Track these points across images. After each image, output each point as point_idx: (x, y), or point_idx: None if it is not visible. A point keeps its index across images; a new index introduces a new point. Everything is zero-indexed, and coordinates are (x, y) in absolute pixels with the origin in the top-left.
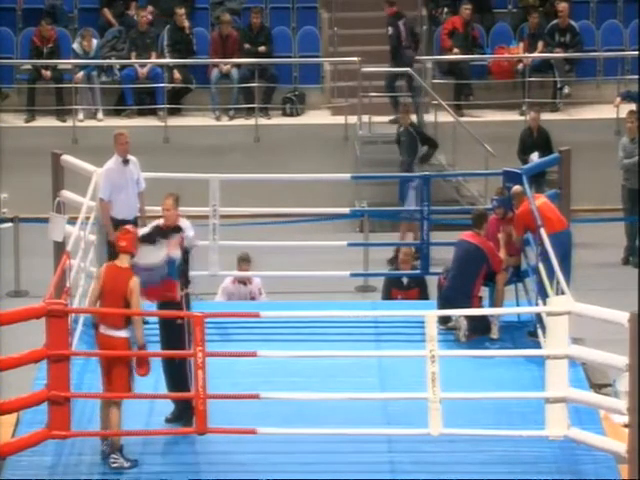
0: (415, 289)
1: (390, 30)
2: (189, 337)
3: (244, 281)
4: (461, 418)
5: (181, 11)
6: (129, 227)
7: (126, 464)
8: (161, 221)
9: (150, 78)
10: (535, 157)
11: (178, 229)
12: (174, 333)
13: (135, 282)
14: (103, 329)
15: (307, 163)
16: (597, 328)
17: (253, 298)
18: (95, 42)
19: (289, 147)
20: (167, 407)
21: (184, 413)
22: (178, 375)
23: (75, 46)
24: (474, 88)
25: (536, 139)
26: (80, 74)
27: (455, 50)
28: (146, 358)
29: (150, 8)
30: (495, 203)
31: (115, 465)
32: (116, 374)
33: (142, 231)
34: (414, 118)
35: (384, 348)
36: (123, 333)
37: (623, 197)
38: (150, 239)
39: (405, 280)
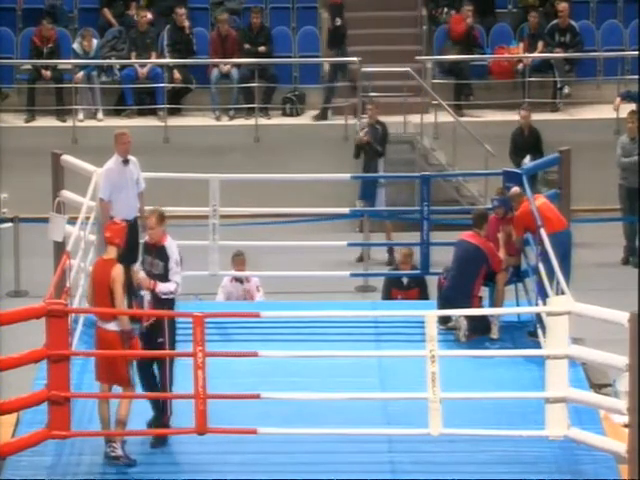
0: (415, 289)
1: (339, 21)
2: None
3: (241, 279)
4: (461, 418)
5: (181, 11)
6: (117, 219)
7: (124, 458)
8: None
9: (150, 78)
10: (527, 161)
11: (162, 249)
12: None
13: (117, 270)
14: (99, 323)
15: (307, 163)
16: (597, 328)
17: (252, 297)
18: (95, 42)
19: (289, 147)
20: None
21: (158, 417)
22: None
23: (75, 46)
24: (474, 88)
25: (527, 138)
26: (80, 74)
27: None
28: (134, 343)
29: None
30: (496, 203)
31: (113, 454)
32: (116, 367)
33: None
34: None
35: (384, 348)
36: (112, 326)
37: (621, 196)
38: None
39: (405, 280)
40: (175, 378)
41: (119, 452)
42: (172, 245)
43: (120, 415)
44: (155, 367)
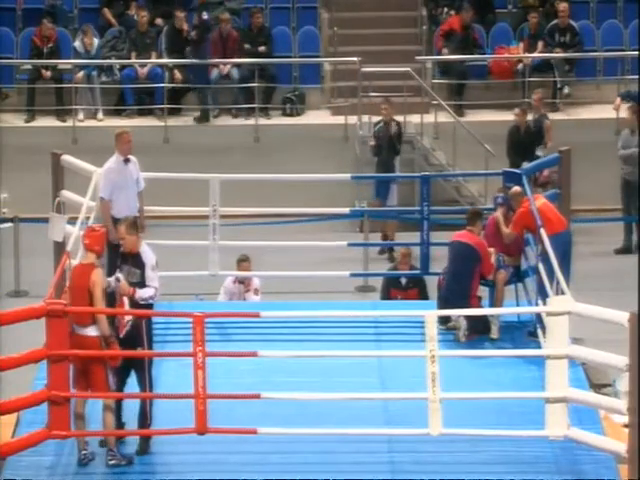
0: (414, 289)
1: (205, 15)
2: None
3: (243, 281)
4: (461, 418)
5: (181, 15)
6: (95, 225)
7: (123, 461)
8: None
9: (150, 78)
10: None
11: (137, 256)
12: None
13: (97, 274)
14: (77, 329)
15: (307, 163)
16: (597, 328)
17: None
18: (96, 42)
19: (289, 147)
20: (166, 407)
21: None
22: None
23: (76, 44)
24: (474, 88)
25: (523, 137)
26: (80, 74)
27: (444, 51)
28: (115, 349)
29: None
30: (500, 200)
31: (112, 462)
32: (94, 373)
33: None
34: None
35: (384, 348)
36: (92, 331)
37: (621, 188)
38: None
39: (404, 280)
40: (154, 384)
41: (118, 459)
42: (147, 251)
43: (107, 426)
44: (134, 375)
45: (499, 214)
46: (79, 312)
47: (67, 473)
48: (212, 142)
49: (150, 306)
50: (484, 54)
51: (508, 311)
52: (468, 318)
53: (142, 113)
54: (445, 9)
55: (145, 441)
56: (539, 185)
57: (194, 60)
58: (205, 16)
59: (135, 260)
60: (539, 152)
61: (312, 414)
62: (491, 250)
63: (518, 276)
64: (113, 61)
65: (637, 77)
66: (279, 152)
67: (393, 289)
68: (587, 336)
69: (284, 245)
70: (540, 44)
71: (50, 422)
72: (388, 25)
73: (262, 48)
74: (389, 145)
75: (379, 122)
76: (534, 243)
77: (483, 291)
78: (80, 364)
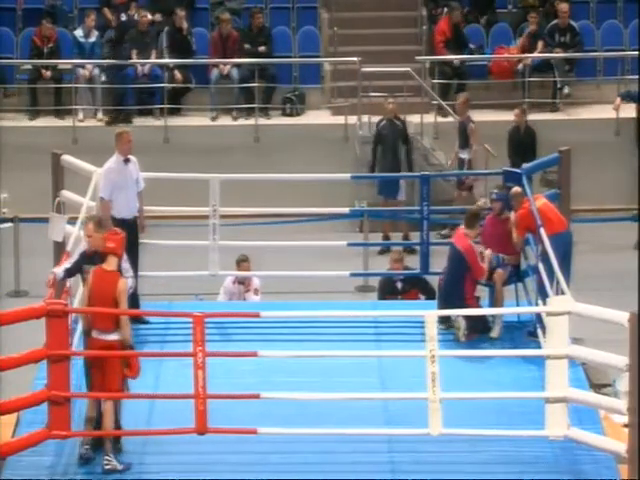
0: (412, 291)
1: (124, 17)
2: None
3: (242, 281)
4: (461, 418)
5: (181, 13)
6: (118, 229)
7: (119, 467)
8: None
9: (150, 78)
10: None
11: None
12: None
13: (123, 283)
14: (95, 334)
15: (307, 163)
16: (597, 328)
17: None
18: (96, 33)
19: (289, 147)
20: (166, 407)
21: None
22: None
23: (77, 32)
24: (474, 88)
25: (523, 137)
26: (85, 72)
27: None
28: (135, 360)
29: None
30: (494, 196)
31: (108, 467)
32: (111, 377)
33: (66, 265)
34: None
35: (384, 348)
36: (114, 336)
37: None
38: (74, 272)
39: (399, 285)
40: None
41: (113, 465)
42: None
43: (106, 427)
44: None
45: (512, 221)
46: (101, 317)
47: (67, 473)
48: (212, 142)
49: None
50: (482, 52)
51: (508, 311)
52: (467, 318)
53: (142, 113)
54: (445, 9)
55: (116, 441)
56: (547, 184)
57: (194, 60)
58: (123, 17)
59: (105, 258)
60: (463, 154)
61: (312, 414)
62: (488, 251)
63: (518, 275)
64: (113, 61)
65: (637, 77)
66: (279, 152)
67: (388, 296)
68: (587, 336)
69: (284, 245)
70: (540, 44)
71: (50, 422)
72: (388, 25)
73: (262, 48)
74: (394, 142)
75: (382, 120)
76: (534, 243)
77: (483, 291)
78: (100, 367)
